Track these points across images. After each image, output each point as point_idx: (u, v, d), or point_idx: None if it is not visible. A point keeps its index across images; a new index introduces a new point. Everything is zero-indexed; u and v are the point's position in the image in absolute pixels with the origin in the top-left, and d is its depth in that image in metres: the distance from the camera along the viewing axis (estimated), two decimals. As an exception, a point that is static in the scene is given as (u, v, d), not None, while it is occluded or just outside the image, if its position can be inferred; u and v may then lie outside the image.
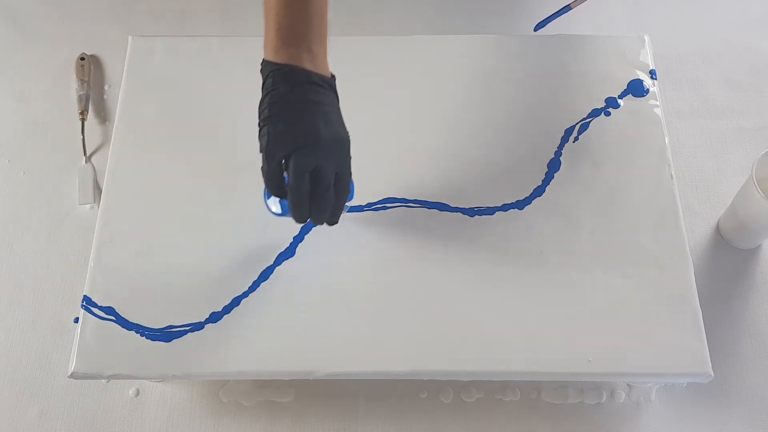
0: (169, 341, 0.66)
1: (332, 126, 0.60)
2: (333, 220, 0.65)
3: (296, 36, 0.61)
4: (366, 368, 0.66)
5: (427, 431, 0.74)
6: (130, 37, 0.83)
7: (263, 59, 0.62)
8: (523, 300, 0.68)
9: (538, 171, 0.75)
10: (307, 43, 0.61)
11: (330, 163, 0.60)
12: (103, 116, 0.93)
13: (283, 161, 0.60)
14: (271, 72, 0.61)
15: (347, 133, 0.62)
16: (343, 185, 0.63)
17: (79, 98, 0.92)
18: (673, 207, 0.72)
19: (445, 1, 1.01)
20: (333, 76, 0.63)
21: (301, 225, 0.71)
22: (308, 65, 0.60)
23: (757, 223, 0.78)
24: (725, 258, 0.83)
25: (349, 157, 0.63)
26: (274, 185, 0.62)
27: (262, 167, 0.61)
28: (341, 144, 0.62)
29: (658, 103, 0.78)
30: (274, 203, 0.67)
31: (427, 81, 0.80)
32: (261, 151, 0.61)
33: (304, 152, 0.59)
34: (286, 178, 0.61)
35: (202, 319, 0.67)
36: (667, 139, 0.76)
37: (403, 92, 0.79)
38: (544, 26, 0.82)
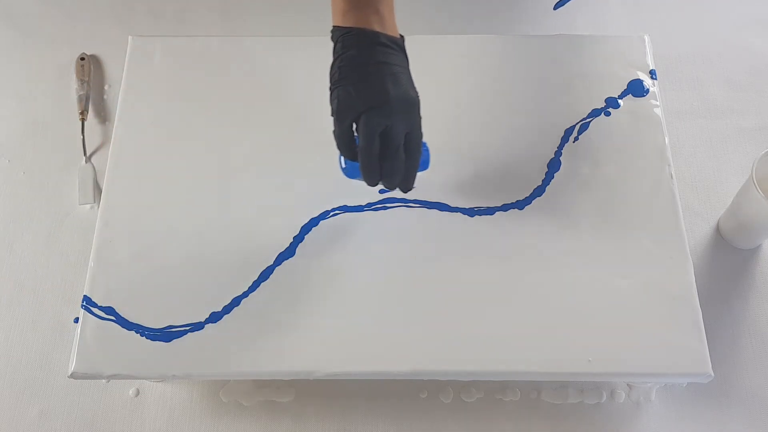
0: (169, 341, 0.66)
1: (401, 86, 0.61)
2: (406, 186, 0.64)
3: None
4: (366, 368, 0.66)
5: (427, 431, 0.74)
6: (130, 37, 0.83)
7: (333, 25, 0.63)
8: (523, 300, 0.68)
9: (538, 171, 0.75)
10: (374, 4, 0.62)
11: (400, 123, 0.60)
12: (103, 116, 0.93)
13: (354, 124, 0.61)
14: (340, 36, 0.62)
15: (417, 93, 0.62)
16: (413, 146, 0.62)
17: (79, 98, 0.92)
18: (673, 207, 0.72)
19: (445, 1, 1.01)
20: (402, 37, 0.64)
21: (302, 224, 0.71)
22: (376, 26, 0.61)
23: (757, 223, 0.78)
24: (725, 258, 0.83)
25: (419, 118, 0.63)
26: (345, 147, 0.62)
27: (333, 130, 0.62)
28: (411, 104, 0.61)
29: (658, 103, 0.78)
30: (348, 167, 0.67)
31: (427, 81, 0.79)
32: (332, 115, 0.62)
33: (374, 113, 0.59)
34: (357, 141, 0.61)
35: (202, 319, 0.67)
36: (667, 139, 0.76)
37: (403, 92, 0.79)
38: (563, 4, 0.81)
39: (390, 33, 0.62)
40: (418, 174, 0.66)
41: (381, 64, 0.60)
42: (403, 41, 0.64)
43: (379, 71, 0.60)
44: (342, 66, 0.61)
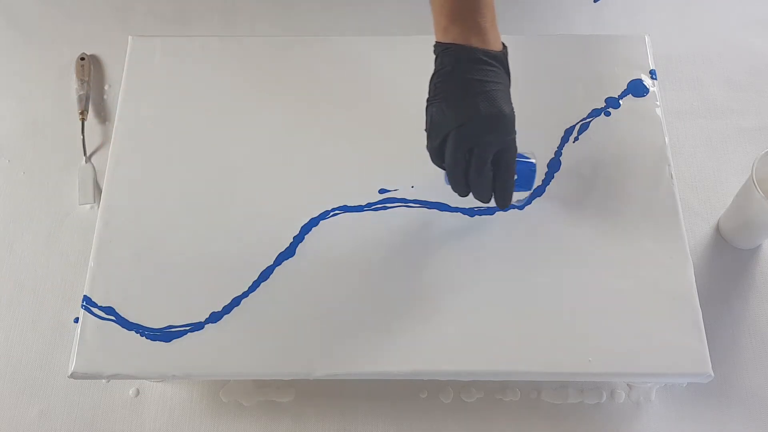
0: (169, 341, 0.66)
1: (494, 104, 0.61)
2: (502, 202, 0.65)
3: (463, 13, 0.62)
4: (366, 368, 0.66)
5: (427, 431, 0.74)
6: (130, 37, 0.83)
7: (435, 41, 0.64)
8: (523, 300, 0.68)
9: (538, 171, 0.74)
10: (475, 18, 0.62)
11: (489, 141, 0.61)
12: (103, 116, 0.93)
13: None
14: (440, 52, 0.62)
15: (512, 109, 0.63)
16: (505, 163, 0.63)
17: (79, 98, 0.92)
18: (673, 207, 0.72)
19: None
20: (505, 49, 0.64)
21: (302, 224, 0.71)
22: (475, 42, 0.61)
23: (757, 223, 0.78)
24: (725, 258, 0.83)
25: (513, 135, 0.63)
26: (438, 162, 0.65)
27: (427, 145, 0.64)
28: (503, 122, 0.62)
29: (658, 103, 0.78)
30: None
31: (427, 81, 0.80)
32: (425, 130, 0.63)
33: (462, 131, 0.60)
34: None
35: (202, 319, 0.67)
36: (667, 139, 0.76)
37: (403, 92, 0.79)
38: None
39: (492, 47, 0.62)
40: (525, 194, 0.68)
41: (475, 81, 0.61)
42: (506, 54, 0.64)
43: (473, 89, 0.61)
44: (438, 82, 0.62)
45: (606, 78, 0.80)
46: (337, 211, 0.72)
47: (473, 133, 0.61)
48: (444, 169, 0.65)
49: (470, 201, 0.72)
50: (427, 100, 0.63)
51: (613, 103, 0.78)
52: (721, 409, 0.75)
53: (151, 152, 0.76)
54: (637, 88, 0.79)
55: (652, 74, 0.80)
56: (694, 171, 0.88)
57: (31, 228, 0.85)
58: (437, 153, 0.64)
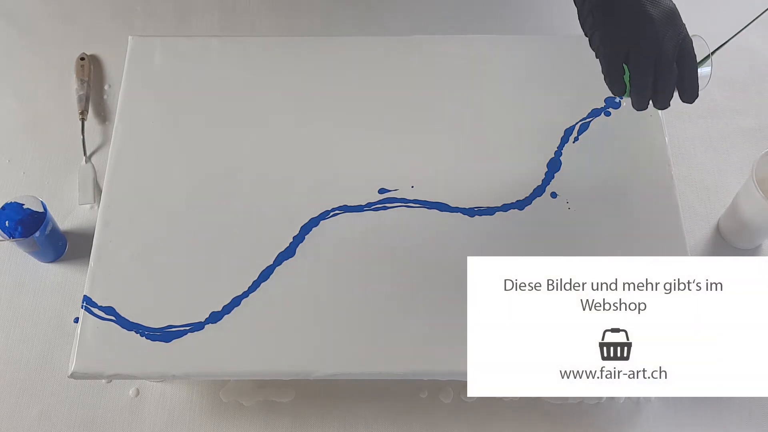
0: (169, 341, 0.66)
1: (659, 5, 0.62)
2: (691, 94, 0.64)
3: None
4: (366, 368, 0.66)
5: (427, 431, 0.74)
6: (130, 37, 0.83)
7: None
8: (523, 300, 0.68)
9: (538, 171, 0.75)
10: None
11: (669, 42, 0.61)
12: (103, 116, 0.93)
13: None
14: None
15: (672, 2, 0.64)
16: (686, 54, 0.63)
17: (79, 98, 0.92)
18: (673, 207, 0.72)
19: (445, 1, 1.01)
20: None
21: (302, 224, 0.71)
22: None
23: (757, 223, 0.78)
24: (725, 258, 0.83)
25: (683, 27, 0.63)
26: (616, 86, 0.64)
27: (602, 69, 0.64)
28: (673, 18, 0.63)
29: (658, 103, 0.78)
30: None
31: (427, 81, 0.80)
32: (597, 57, 0.64)
33: (644, 43, 0.61)
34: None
35: (202, 319, 0.67)
36: (667, 139, 0.76)
37: (403, 92, 0.79)
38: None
39: None
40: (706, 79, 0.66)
41: None
42: None
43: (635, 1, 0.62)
44: (595, 6, 0.63)
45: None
46: (337, 211, 0.72)
47: (654, 38, 0.61)
48: (619, 94, 0.64)
49: (470, 201, 0.73)
50: (589, 30, 0.65)
51: (613, 103, 0.78)
52: (721, 409, 0.75)
53: (151, 152, 0.76)
54: (637, 88, 0.79)
55: (652, 74, 0.80)
56: (694, 171, 0.88)
57: (31, 228, 0.85)
58: (615, 76, 0.63)
